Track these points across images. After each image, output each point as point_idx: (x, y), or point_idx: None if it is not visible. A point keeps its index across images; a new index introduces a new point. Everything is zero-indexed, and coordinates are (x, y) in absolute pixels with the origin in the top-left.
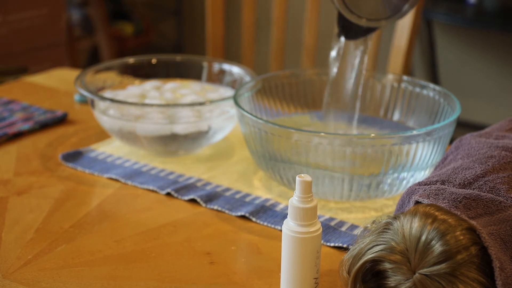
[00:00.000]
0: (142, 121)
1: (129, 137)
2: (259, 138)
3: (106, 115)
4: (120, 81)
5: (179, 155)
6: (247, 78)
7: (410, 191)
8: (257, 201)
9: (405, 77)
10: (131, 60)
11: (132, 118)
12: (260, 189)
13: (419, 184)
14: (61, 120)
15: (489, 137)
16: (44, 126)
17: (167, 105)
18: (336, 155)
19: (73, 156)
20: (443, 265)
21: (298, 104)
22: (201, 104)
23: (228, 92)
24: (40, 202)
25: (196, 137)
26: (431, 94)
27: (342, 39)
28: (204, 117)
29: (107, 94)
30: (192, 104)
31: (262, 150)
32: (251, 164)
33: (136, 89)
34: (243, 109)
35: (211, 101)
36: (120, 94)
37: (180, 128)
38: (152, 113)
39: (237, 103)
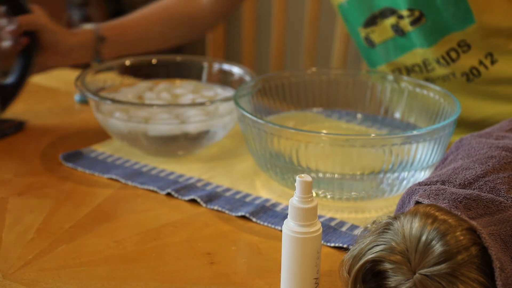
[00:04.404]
0: (153, 122)
1: (134, 138)
2: (259, 138)
3: (113, 118)
4: (120, 82)
5: (179, 155)
6: (247, 78)
7: (410, 191)
8: (257, 201)
9: (405, 77)
10: (131, 60)
11: (142, 120)
12: (261, 189)
13: (419, 184)
14: (19, 129)
15: (489, 137)
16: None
17: (183, 105)
18: (336, 155)
19: (74, 156)
20: (443, 266)
21: (298, 104)
22: (211, 102)
23: (223, 89)
24: (40, 202)
25: (196, 137)
26: (431, 94)
27: None
28: (209, 115)
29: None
30: (201, 104)
31: (262, 150)
32: (251, 164)
33: (130, 91)
34: (243, 109)
35: (221, 100)
36: (117, 97)
37: (191, 127)
38: (161, 113)
39: (237, 103)
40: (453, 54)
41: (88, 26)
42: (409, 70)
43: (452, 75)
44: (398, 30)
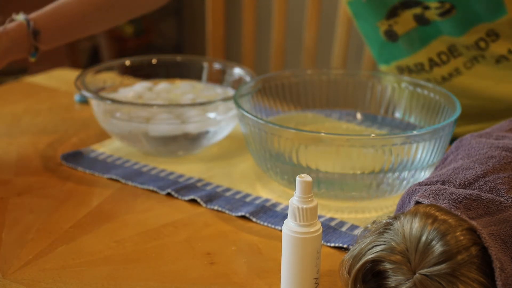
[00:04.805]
0: (153, 122)
1: (135, 138)
2: (259, 138)
3: (113, 118)
4: (120, 82)
5: (179, 155)
6: (247, 78)
7: (411, 191)
8: (257, 201)
9: (405, 77)
10: (131, 60)
11: (143, 120)
12: (260, 189)
13: (420, 184)
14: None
15: (489, 137)
16: None
17: (183, 105)
18: (336, 155)
19: (73, 157)
20: (443, 266)
21: (298, 104)
22: (211, 102)
23: (222, 89)
24: (40, 202)
25: (197, 137)
26: (431, 94)
27: None
28: (210, 115)
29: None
30: (201, 104)
31: (262, 150)
32: (251, 164)
33: (130, 91)
34: (243, 109)
35: (221, 100)
36: (117, 97)
37: (192, 128)
38: (162, 113)
39: (237, 103)
40: (482, 44)
41: (20, 18)
42: (432, 62)
43: (481, 57)
44: (422, 19)
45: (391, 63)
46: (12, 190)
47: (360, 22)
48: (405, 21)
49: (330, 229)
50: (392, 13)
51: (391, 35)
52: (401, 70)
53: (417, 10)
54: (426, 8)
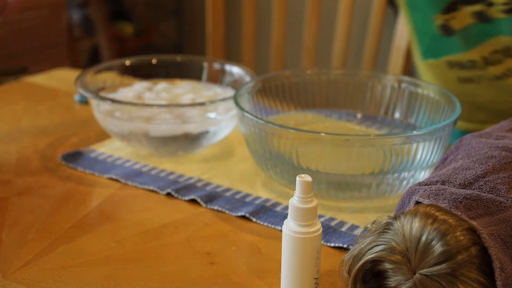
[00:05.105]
0: (154, 122)
1: (135, 138)
2: (259, 138)
3: (113, 118)
4: (120, 82)
5: (179, 155)
6: (247, 78)
7: (411, 191)
8: (257, 201)
9: (405, 77)
10: (131, 60)
11: (143, 120)
12: (261, 189)
13: (420, 184)
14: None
15: (489, 137)
16: None
17: (184, 105)
18: (336, 155)
19: (73, 157)
20: (443, 266)
21: (298, 104)
22: (211, 102)
23: (222, 89)
24: (40, 202)
25: (197, 137)
26: (431, 94)
27: None
28: (210, 115)
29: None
30: (202, 104)
31: (262, 150)
32: (251, 164)
33: (128, 91)
34: (243, 109)
35: (222, 100)
36: (117, 97)
37: (192, 127)
38: (162, 114)
39: (237, 103)
40: None
41: None
42: (486, 60)
43: None
44: (483, 16)
45: (442, 57)
46: (12, 190)
47: (413, 13)
48: (463, 17)
49: (330, 229)
50: (451, 8)
51: (446, 30)
52: (452, 65)
53: (478, 7)
54: (490, 5)
